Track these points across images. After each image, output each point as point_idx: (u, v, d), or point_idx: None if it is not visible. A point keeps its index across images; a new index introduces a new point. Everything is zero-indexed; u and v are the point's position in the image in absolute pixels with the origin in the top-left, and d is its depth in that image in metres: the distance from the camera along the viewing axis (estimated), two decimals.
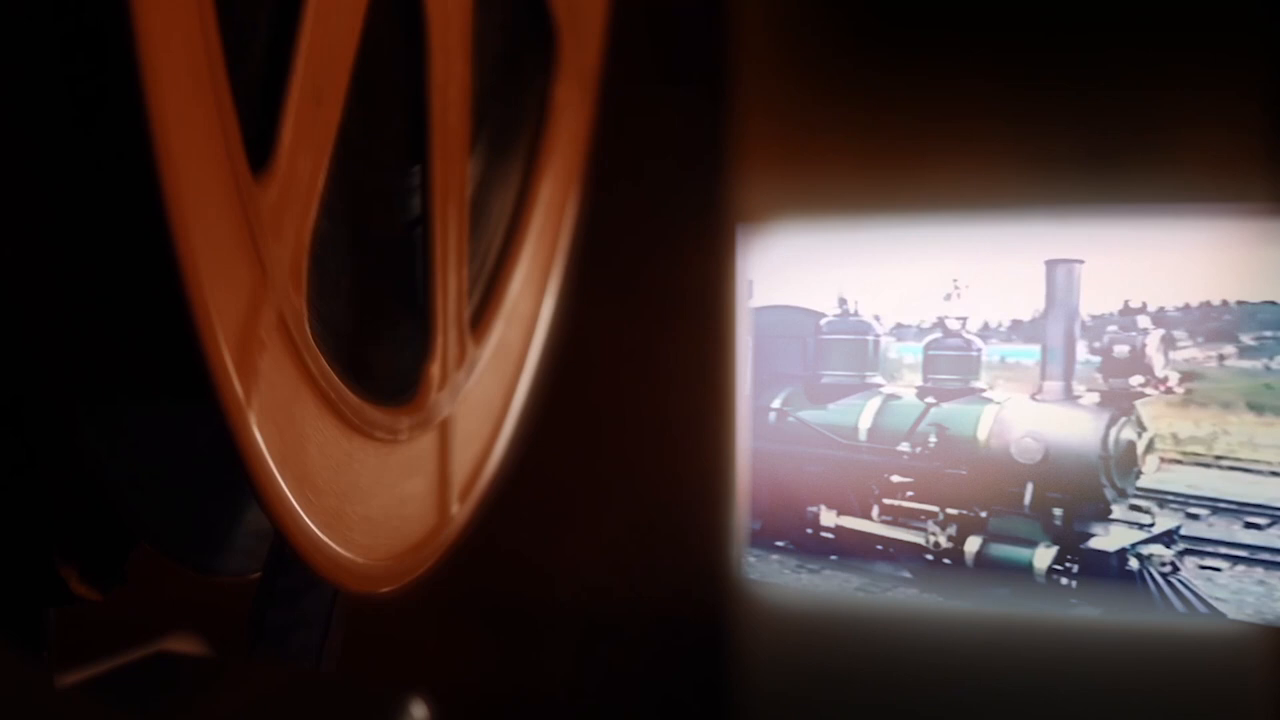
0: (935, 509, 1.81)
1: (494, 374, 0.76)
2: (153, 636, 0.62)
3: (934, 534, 1.81)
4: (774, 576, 1.77)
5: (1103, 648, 1.62)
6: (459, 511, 0.71)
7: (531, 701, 1.68)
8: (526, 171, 0.79)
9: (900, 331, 1.90)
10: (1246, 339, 1.69)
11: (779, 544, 1.81)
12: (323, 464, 0.56)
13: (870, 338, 1.97)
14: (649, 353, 1.65)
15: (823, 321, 1.95)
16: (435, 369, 0.68)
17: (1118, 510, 1.79)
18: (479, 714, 1.63)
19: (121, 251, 0.47)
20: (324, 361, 0.56)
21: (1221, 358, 1.76)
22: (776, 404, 1.95)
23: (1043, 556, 1.75)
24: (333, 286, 0.58)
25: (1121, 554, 1.74)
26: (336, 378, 0.57)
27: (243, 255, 0.50)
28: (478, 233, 0.74)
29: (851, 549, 1.82)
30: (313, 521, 0.55)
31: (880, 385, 1.98)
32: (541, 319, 0.81)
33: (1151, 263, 1.76)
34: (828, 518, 1.87)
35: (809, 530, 1.86)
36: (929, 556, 1.78)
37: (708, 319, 1.68)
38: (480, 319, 0.75)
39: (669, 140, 1.61)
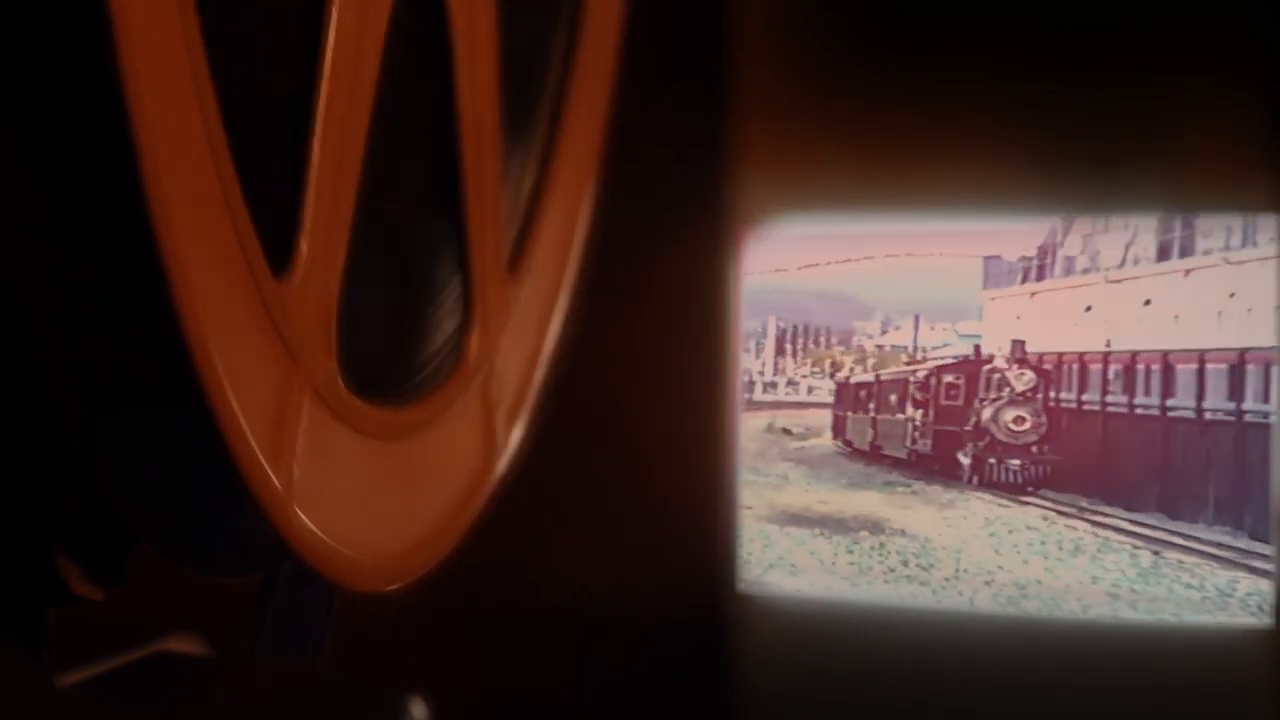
0: None
1: (528, 320, 0.76)
2: (153, 636, 0.62)
3: None
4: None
5: (1102, 648, 1.62)
6: (505, 438, 0.72)
7: (531, 703, 1.68)
8: (525, 236, 0.79)
9: None
10: None
11: None
12: (341, 481, 0.56)
13: None
14: (648, 353, 1.65)
15: None
16: (475, 339, 0.68)
17: None
18: (478, 715, 1.63)
19: (135, 351, 0.48)
20: (357, 400, 0.56)
21: None
22: None
23: None
24: (361, 324, 0.58)
25: None
26: (368, 405, 0.57)
27: (270, 353, 0.50)
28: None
29: None
30: (313, 523, 0.55)
31: None
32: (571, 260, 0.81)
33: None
34: None
35: None
36: None
37: (706, 319, 1.68)
38: (518, 262, 0.75)
39: (669, 139, 1.61)
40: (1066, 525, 1.76)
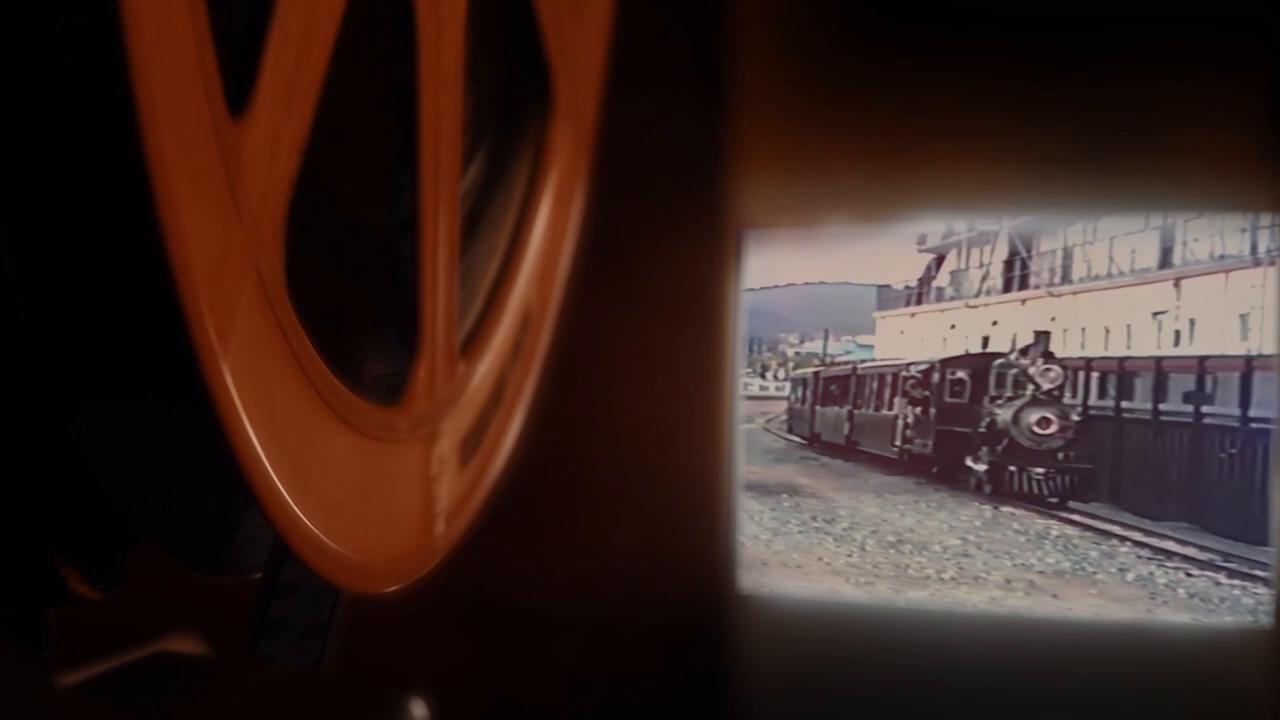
0: None
1: (485, 405, 0.75)
2: (153, 636, 0.62)
3: None
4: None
5: (1102, 648, 1.62)
6: (443, 534, 0.70)
7: (531, 703, 1.68)
8: (519, 219, 0.78)
9: None
10: None
11: None
12: (305, 441, 0.55)
13: None
14: (648, 355, 1.65)
15: None
16: (423, 372, 0.66)
17: None
18: (478, 715, 1.63)
19: (100, 180, 0.46)
20: (304, 335, 0.55)
21: None
22: None
23: None
24: (314, 267, 0.57)
25: None
26: (317, 357, 0.56)
27: (216, 192, 0.48)
28: (470, 252, 0.73)
29: None
30: (304, 513, 0.54)
31: None
32: (539, 354, 0.79)
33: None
34: None
35: None
36: None
37: (705, 321, 1.68)
38: (473, 342, 0.74)
39: (668, 141, 1.61)
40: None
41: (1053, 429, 1.90)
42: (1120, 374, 1.91)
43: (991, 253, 2.04)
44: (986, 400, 1.97)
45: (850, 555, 1.82)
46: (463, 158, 0.68)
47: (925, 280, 2.16)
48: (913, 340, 2.20)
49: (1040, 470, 1.90)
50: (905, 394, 2.10)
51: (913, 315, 2.19)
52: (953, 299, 2.15)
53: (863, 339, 2.22)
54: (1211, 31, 1.53)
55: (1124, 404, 1.90)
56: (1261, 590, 1.61)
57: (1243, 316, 1.68)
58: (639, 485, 1.66)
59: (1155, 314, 1.85)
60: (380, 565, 0.63)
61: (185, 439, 0.54)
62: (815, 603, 1.74)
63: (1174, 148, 1.55)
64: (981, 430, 1.96)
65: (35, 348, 0.50)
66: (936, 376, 2.04)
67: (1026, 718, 1.62)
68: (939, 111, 1.58)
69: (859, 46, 1.61)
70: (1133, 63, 1.55)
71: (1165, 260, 1.82)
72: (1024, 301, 1.99)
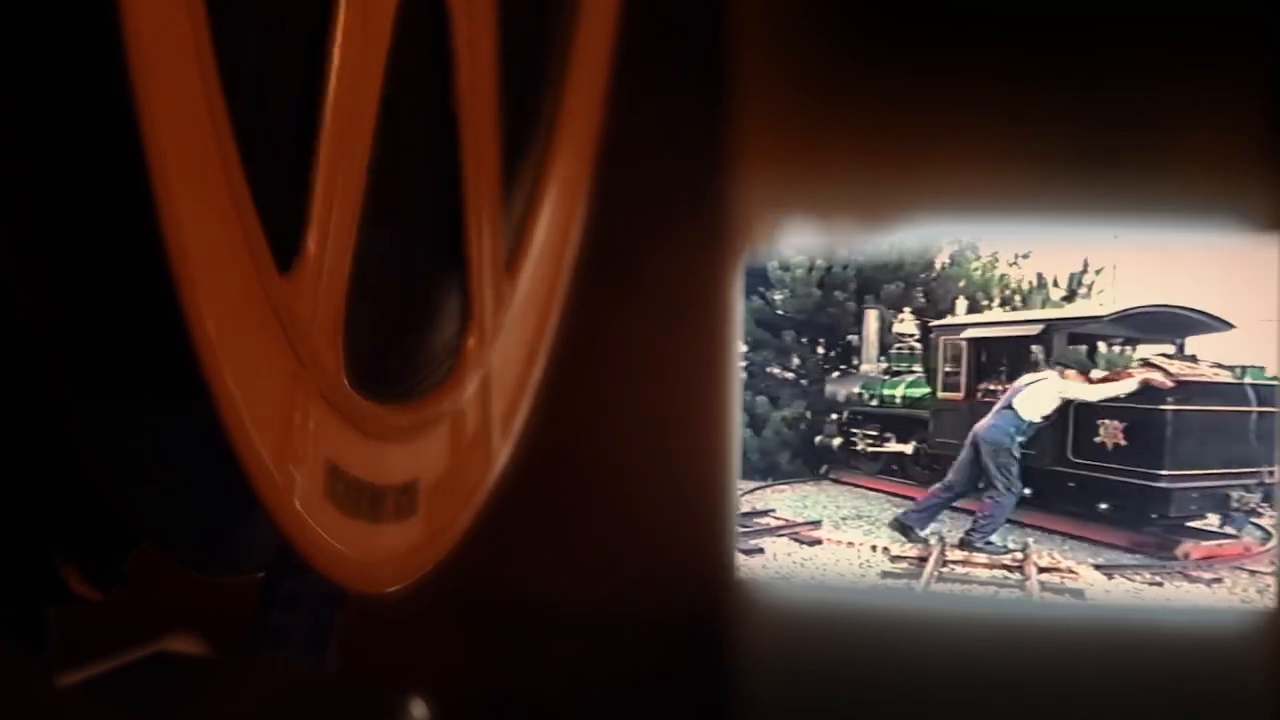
0: None
1: (524, 319, 0.76)
2: (153, 636, 0.62)
3: None
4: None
5: (1102, 648, 1.62)
6: (501, 447, 0.72)
7: (531, 703, 1.68)
8: (520, 228, 0.79)
9: None
10: None
11: None
12: (338, 477, 0.56)
13: None
14: (647, 352, 1.65)
15: None
16: (472, 341, 0.68)
17: None
18: (478, 715, 1.63)
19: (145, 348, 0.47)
20: (360, 400, 0.56)
21: None
22: None
23: None
24: (364, 322, 0.58)
25: None
26: (372, 405, 0.57)
27: (277, 353, 0.50)
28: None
29: None
30: (315, 522, 0.55)
31: None
32: (538, 360, 0.81)
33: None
34: None
35: None
36: None
37: (705, 321, 1.68)
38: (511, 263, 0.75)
39: (669, 139, 1.61)
40: None
41: None
42: None
43: None
44: None
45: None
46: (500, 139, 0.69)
47: None
48: None
49: None
50: None
51: None
52: None
53: None
54: (1212, 31, 1.53)
55: None
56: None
57: None
58: (640, 484, 1.66)
59: None
60: (383, 563, 0.63)
61: (185, 439, 0.54)
62: (816, 601, 1.74)
63: (1174, 148, 1.55)
64: None
65: (35, 347, 0.50)
66: None
67: (1034, 711, 1.62)
68: (941, 112, 1.58)
69: (860, 47, 1.61)
70: (1133, 63, 1.56)
71: None
72: None
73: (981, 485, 1.86)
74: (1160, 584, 1.73)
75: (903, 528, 1.85)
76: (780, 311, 1.99)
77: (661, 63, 1.55)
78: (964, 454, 1.89)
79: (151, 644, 0.61)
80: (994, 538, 1.85)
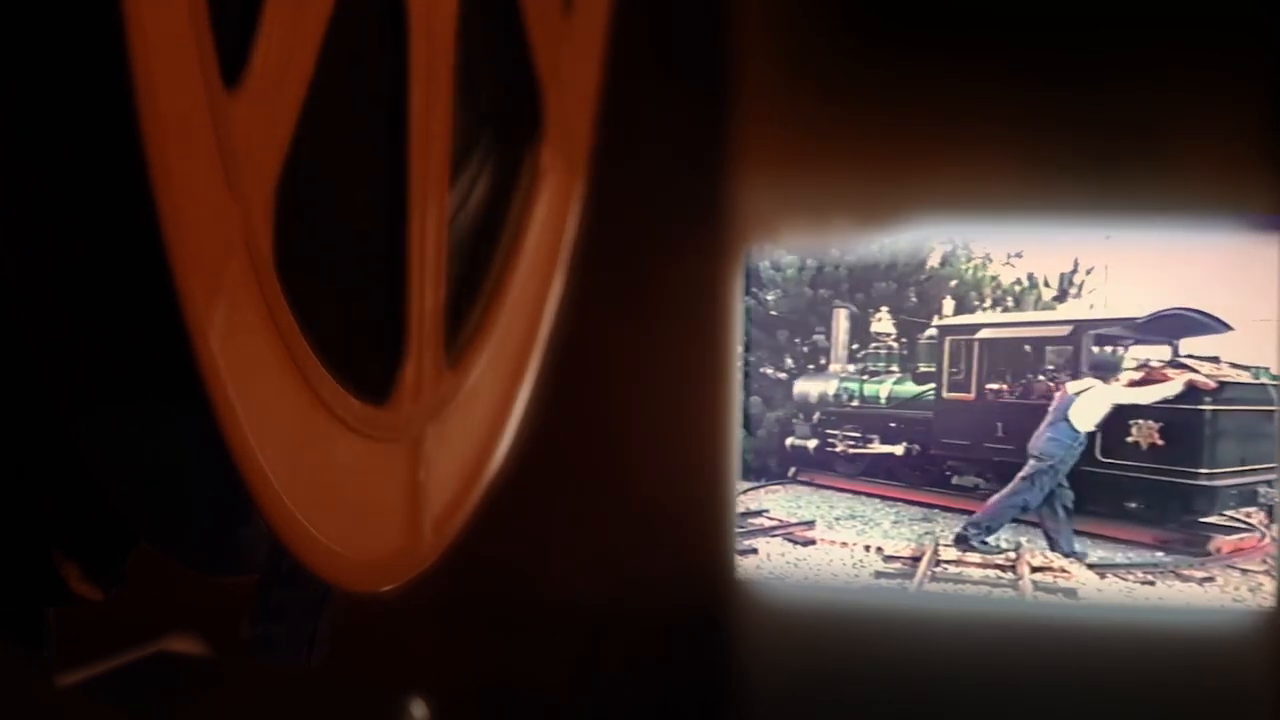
0: None
1: (473, 417, 0.74)
2: (153, 636, 0.62)
3: None
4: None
5: (1102, 647, 1.62)
6: (432, 539, 0.69)
7: (531, 702, 1.68)
8: (512, 235, 0.78)
9: None
10: None
11: None
12: (297, 433, 0.55)
13: None
14: (647, 354, 1.65)
15: None
16: (410, 373, 0.66)
17: None
18: (479, 715, 1.63)
19: (95, 155, 0.46)
20: (295, 325, 0.55)
21: None
22: None
23: None
24: (305, 255, 0.57)
25: None
26: (308, 348, 0.56)
27: (210, 167, 0.48)
28: (459, 258, 0.73)
29: None
30: (295, 506, 0.54)
31: None
32: (527, 372, 0.79)
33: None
34: None
35: None
36: None
37: (704, 321, 1.68)
38: (462, 354, 0.73)
39: (670, 146, 1.61)
40: None
41: None
42: None
43: None
44: None
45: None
46: (452, 163, 0.68)
47: None
48: None
49: None
50: None
51: None
52: None
53: None
54: (1210, 31, 1.53)
55: None
56: None
57: None
58: (640, 483, 1.66)
59: None
60: (375, 563, 0.63)
61: (185, 438, 0.54)
62: (816, 599, 1.74)
63: (1171, 148, 1.56)
64: None
65: (35, 347, 0.50)
66: None
67: (1028, 710, 1.62)
68: (941, 112, 1.58)
69: (859, 48, 1.61)
70: (1131, 64, 1.56)
71: None
72: None
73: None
74: (1152, 583, 1.73)
75: (964, 540, 1.86)
76: (774, 311, 1.98)
77: (661, 64, 1.55)
78: (1025, 469, 1.91)
79: (151, 644, 0.61)
80: (989, 538, 1.86)
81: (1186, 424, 1.86)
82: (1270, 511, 1.74)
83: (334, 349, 0.59)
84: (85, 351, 0.50)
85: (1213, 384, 1.82)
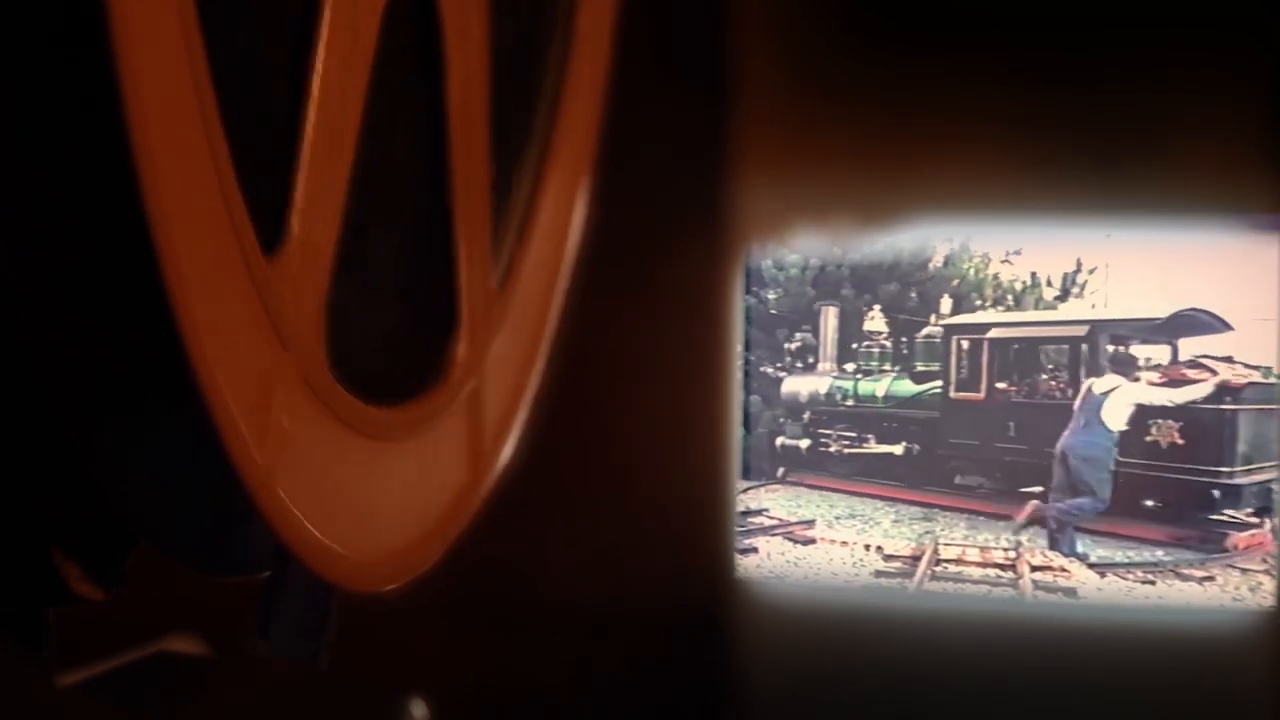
0: None
1: (518, 330, 0.76)
2: (153, 636, 0.61)
3: None
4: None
5: (1102, 647, 1.62)
6: (494, 455, 0.72)
7: (531, 702, 1.68)
8: (516, 237, 0.78)
9: None
10: None
11: None
12: (329, 475, 0.56)
13: None
14: (647, 354, 1.65)
15: None
16: (462, 348, 0.68)
17: None
18: (479, 715, 1.63)
19: (127, 328, 0.47)
20: (344, 392, 0.56)
21: None
22: None
23: None
24: (349, 315, 0.58)
25: None
26: (356, 401, 0.57)
27: (259, 335, 0.49)
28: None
29: None
30: (311, 523, 0.54)
31: None
32: (536, 365, 0.80)
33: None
34: None
35: None
36: None
37: (705, 320, 1.68)
38: (505, 279, 0.75)
39: (670, 144, 1.61)
40: None
41: None
42: None
43: None
44: None
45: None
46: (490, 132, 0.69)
47: None
48: None
49: None
50: None
51: None
52: None
53: None
54: (1210, 31, 1.53)
55: None
56: None
57: None
58: (640, 482, 1.66)
59: None
60: (378, 563, 0.63)
61: (185, 439, 0.54)
62: (816, 599, 1.74)
63: (1172, 148, 1.56)
64: None
65: (35, 349, 0.50)
66: None
67: (1027, 709, 1.62)
68: (942, 112, 1.58)
69: (859, 48, 1.61)
70: (1132, 63, 1.56)
71: None
72: None
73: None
74: (1153, 582, 1.73)
75: (1056, 543, 1.85)
76: (774, 311, 1.97)
77: (661, 63, 1.55)
78: (1058, 470, 1.90)
79: (151, 644, 0.61)
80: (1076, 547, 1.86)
81: (1209, 423, 1.87)
82: (1271, 509, 1.74)
83: (375, 357, 0.60)
84: (85, 352, 0.50)
85: (1243, 383, 1.83)
